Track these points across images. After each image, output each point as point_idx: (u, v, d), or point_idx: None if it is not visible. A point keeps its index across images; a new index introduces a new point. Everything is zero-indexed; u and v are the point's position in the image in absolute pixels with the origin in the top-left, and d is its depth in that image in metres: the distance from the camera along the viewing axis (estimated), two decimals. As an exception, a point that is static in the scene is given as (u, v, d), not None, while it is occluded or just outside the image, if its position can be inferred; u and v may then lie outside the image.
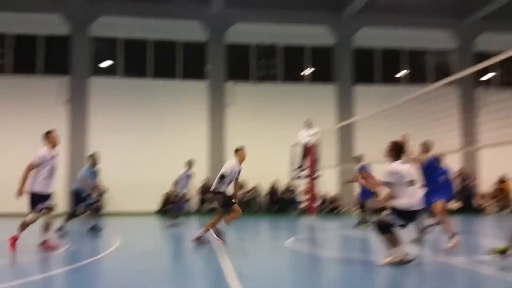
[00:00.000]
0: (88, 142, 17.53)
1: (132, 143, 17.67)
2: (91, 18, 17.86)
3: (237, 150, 8.47)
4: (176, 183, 12.64)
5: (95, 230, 10.13)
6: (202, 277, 5.96)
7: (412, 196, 6.03)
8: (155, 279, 5.49)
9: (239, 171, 8.33)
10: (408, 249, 6.36)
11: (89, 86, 17.83)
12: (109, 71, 18.46)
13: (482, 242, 9.61)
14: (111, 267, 6.48)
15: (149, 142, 17.77)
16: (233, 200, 8.24)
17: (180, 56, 18.58)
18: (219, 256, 7.00)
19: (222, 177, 8.12)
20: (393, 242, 6.09)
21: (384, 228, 6.10)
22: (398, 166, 6.11)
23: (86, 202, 10.14)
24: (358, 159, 11.90)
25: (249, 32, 18.65)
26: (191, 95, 18.30)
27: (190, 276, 5.91)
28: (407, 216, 6.03)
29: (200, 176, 17.35)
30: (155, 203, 17.19)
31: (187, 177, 12.51)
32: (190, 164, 12.48)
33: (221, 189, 8.21)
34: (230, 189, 8.37)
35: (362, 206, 11.89)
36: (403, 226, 6.11)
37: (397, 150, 6.23)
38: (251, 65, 18.98)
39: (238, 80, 18.61)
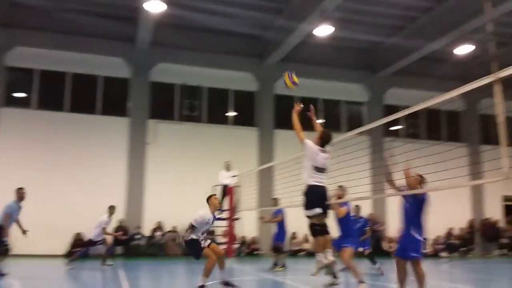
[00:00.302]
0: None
1: (43, 180, 16.53)
2: (7, 46, 16.94)
3: (209, 197, 8.05)
4: (98, 227, 11.95)
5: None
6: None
7: None
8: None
9: (213, 219, 7.91)
10: None
11: (1, 116, 16.64)
12: (22, 102, 17.42)
13: (388, 285, 10.12)
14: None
15: (62, 179, 16.76)
16: (202, 245, 7.65)
17: (101, 91, 18.09)
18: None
19: (193, 227, 7.65)
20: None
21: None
22: None
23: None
24: (275, 202, 12.25)
25: (174, 71, 18.73)
26: (110, 132, 17.73)
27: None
28: None
29: (115, 216, 16.63)
30: (64, 245, 16.04)
31: (108, 223, 11.98)
32: (112, 209, 11.96)
33: (189, 238, 7.72)
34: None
35: (276, 249, 11.98)
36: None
37: None
38: (175, 105, 18.96)
39: (161, 119, 18.44)
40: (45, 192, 16.44)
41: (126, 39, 17.81)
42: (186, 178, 17.52)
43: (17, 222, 9.93)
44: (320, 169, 6.36)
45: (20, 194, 9.88)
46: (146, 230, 17.02)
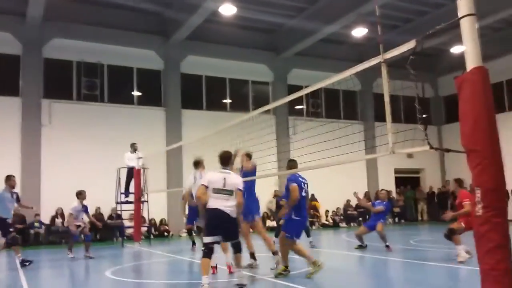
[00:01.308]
0: None
1: None
2: None
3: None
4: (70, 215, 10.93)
5: None
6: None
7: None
8: None
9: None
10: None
11: None
12: None
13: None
14: None
15: None
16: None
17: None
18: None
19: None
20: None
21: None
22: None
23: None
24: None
25: (70, 48, 17.44)
26: (0, 113, 16.15)
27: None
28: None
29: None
30: None
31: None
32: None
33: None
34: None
35: (189, 230, 12.09)
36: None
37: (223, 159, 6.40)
38: (72, 84, 17.76)
39: (57, 99, 17.17)
40: None
41: (15, 13, 16.18)
42: (89, 161, 16.64)
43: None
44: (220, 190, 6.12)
45: (11, 182, 9.46)
46: (46, 218, 15.97)
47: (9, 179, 9.46)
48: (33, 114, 16.52)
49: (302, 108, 22.24)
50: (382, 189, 12.92)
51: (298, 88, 20.43)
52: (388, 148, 5.06)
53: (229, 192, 6.05)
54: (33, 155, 16.30)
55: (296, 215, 7.02)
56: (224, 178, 6.12)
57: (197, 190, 5.89)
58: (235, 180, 6.22)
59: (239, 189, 6.10)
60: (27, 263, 8.95)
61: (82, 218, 11.19)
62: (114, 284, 7.39)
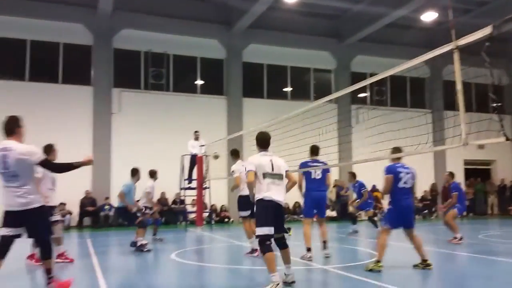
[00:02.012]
0: None
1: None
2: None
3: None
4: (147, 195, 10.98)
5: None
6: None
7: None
8: None
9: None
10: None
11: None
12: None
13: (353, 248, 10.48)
14: None
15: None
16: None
17: (62, 59, 17.38)
18: (96, 271, 6.64)
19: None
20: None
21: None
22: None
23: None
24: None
25: (138, 38, 18.12)
26: (74, 101, 17.17)
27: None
28: None
29: (82, 189, 16.37)
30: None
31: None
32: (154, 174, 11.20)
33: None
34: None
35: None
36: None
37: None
38: (140, 73, 18.45)
39: (126, 88, 17.95)
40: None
41: (87, 5, 17.02)
42: (155, 147, 17.27)
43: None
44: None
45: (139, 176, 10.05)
46: (115, 201, 16.81)
47: (138, 172, 9.92)
48: (104, 102, 17.42)
49: (365, 96, 21.62)
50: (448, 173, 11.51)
51: (362, 75, 20.04)
52: (461, 139, 4.76)
53: (280, 177, 5.64)
54: (104, 141, 17.21)
55: (392, 205, 6.81)
56: (271, 161, 5.64)
57: (247, 177, 5.49)
58: (281, 162, 5.81)
59: (286, 170, 5.76)
60: (144, 249, 8.97)
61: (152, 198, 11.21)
62: (179, 266, 7.65)
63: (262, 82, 20.22)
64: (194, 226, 15.29)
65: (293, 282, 5.56)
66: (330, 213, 19.20)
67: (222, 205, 18.41)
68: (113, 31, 17.75)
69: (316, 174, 7.95)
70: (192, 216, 16.42)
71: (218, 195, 17.22)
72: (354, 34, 20.02)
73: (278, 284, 5.09)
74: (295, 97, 20.41)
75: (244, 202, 8.04)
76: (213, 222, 16.51)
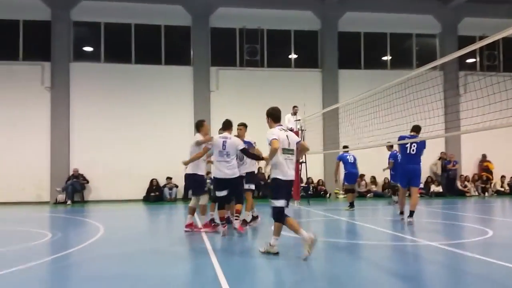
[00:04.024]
0: (70, 128, 17.31)
1: (115, 130, 17.48)
2: (71, 2, 17.45)
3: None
4: None
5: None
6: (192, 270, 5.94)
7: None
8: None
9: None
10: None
11: (71, 71, 17.50)
12: (91, 56, 18.13)
13: (462, 225, 9.80)
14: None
15: (132, 129, 17.60)
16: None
17: (164, 41, 18.31)
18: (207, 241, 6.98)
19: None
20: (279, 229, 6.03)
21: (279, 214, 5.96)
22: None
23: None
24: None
25: (233, 15, 18.41)
26: (175, 81, 18.09)
27: (177, 262, 5.85)
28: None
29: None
30: (138, 190, 17.08)
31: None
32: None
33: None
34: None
35: (348, 190, 12.88)
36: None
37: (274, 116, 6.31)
38: (235, 51, 18.78)
39: (222, 66, 18.43)
40: (119, 141, 17.42)
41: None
42: (250, 123, 17.53)
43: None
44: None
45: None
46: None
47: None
48: (203, 81, 18.09)
49: (475, 62, 19.79)
50: None
51: (471, 39, 18.31)
52: None
53: (293, 152, 6.05)
54: (204, 118, 17.87)
55: None
56: (287, 136, 6.08)
57: (273, 144, 5.78)
58: (294, 136, 6.24)
59: (298, 142, 6.18)
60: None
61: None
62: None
63: (359, 52, 19.44)
64: (291, 200, 15.42)
65: (277, 253, 5.96)
66: (436, 188, 18.17)
67: (319, 180, 18.31)
68: (210, 10, 18.21)
69: (411, 149, 8.95)
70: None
71: (314, 169, 17.16)
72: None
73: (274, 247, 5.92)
74: (395, 66, 19.35)
75: (251, 177, 8.86)
76: (309, 197, 16.50)
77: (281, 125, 6.26)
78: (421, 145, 9.02)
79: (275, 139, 5.83)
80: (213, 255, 5.97)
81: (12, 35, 17.37)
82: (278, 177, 5.92)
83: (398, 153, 11.84)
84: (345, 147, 12.78)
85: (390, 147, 12.63)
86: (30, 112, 17.06)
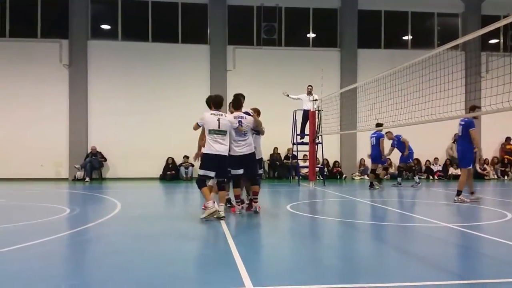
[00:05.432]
0: (88, 106, 17.47)
1: (132, 108, 17.59)
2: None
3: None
4: None
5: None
6: (204, 239, 5.99)
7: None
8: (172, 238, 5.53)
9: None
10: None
11: (89, 49, 17.57)
12: (108, 34, 18.14)
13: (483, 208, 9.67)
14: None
15: (149, 107, 17.68)
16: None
17: (181, 18, 18.19)
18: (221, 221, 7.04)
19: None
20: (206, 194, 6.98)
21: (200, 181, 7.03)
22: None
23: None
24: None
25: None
26: (192, 60, 18.02)
27: (192, 239, 5.91)
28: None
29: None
30: (154, 169, 17.25)
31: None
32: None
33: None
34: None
35: (372, 170, 13.59)
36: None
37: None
38: (252, 29, 18.57)
39: (239, 45, 18.27)
40: (136, 119, 17.54)
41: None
42: (267, 102, 17.44)
43: None
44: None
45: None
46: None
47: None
48: (219, 60, 17.99)
49: (498, 42, 19.23)
50: None
51: (495, 18, 17.59)
52: None
53: (224, 132, 7.28)
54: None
55: None
56: (218, 119, 7.35)
57: (194, 126, 7.58)
58: (229, 121, 7.53)
59: (234, 128, 7.58)
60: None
61: None
62: (294, 216, 7.80)
63: (379, 31, 19.04)
64: (306, 181, 15.40)
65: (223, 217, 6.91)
66: (454, 171, 17.94)
67: (335, 161, 18.21)
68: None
69: (459, 131, 9.49)
70: (304, 171, 16.53)
71: (330, 150, 17.05)
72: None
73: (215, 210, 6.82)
74: (416, 45, 18.93)
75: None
76: (324, 178, 16.48)
77: (218, 111, 7.48)
78: (465, 127, 9.30)
79: (196, 122, 7.32)
80: (227, 232, 6.02)
81: (30, 13, 17.47)
82: (204, 151, 7.10)
83: (395, 141, 13.89)
84: (378, 124, 11.67)
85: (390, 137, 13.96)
86: (49, 90, 17.25)
